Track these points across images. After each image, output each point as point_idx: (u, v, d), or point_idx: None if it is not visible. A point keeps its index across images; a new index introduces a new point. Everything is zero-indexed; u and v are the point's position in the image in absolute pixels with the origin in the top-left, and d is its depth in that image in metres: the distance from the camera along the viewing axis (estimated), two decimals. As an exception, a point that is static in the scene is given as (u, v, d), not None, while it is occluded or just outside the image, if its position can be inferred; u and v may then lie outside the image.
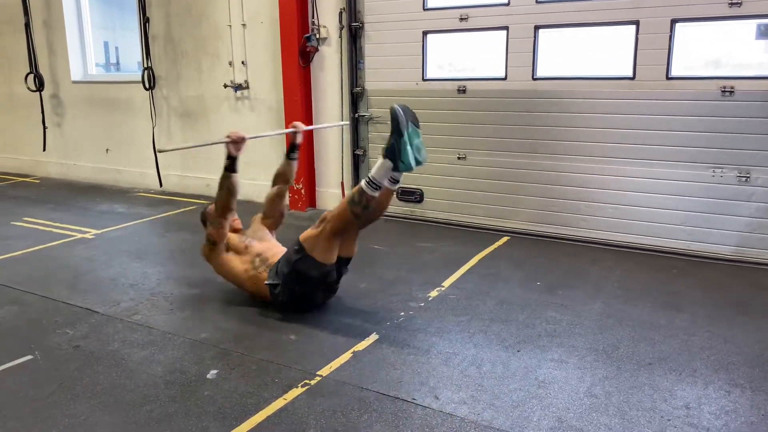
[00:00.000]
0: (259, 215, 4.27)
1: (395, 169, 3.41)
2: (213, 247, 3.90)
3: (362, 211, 3.49)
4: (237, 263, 3.88)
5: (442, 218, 6.02)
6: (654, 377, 3.09)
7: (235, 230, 4.03)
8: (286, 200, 4.33)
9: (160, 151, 3.63)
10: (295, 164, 4.22)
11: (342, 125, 4.44)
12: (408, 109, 3.43)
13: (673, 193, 4.95)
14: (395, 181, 3.61)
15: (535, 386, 3.01)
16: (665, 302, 4.03)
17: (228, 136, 3.61)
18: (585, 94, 5.15)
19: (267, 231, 4.18)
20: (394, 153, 3.36)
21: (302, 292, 3.72)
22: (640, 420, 2.73)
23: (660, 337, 3.53)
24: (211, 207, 3.99)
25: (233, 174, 3.68)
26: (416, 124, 3.45)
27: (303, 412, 2.80)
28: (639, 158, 5.03)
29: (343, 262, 3.75)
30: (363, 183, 3.47)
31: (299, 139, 4.16)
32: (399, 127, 3.34)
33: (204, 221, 4.10)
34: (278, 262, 3.76)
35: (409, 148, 3.35)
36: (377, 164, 3.45)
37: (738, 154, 4.68)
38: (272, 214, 4.23)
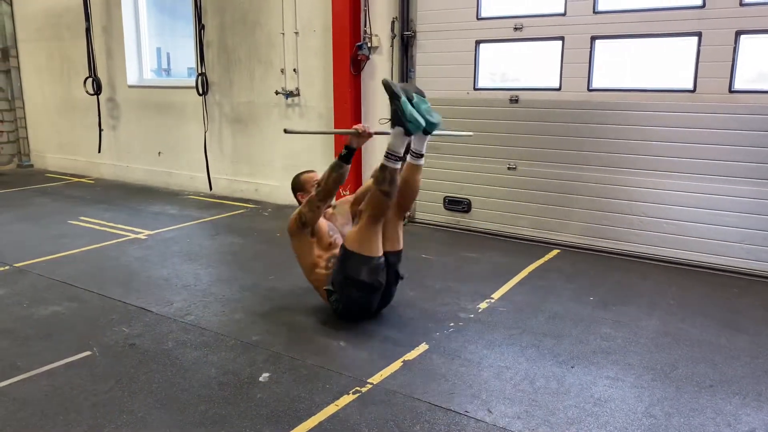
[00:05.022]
0: (351, 198, 4.26)
1: (407, 132, 3.54)
2: (302, 226, 3.85)
3: (390, 186, 3.55)
4: (314, 254, 3.86)
5: (489, 229, 5.96)
6: (716, 400, 2.98)
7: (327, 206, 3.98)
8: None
9: (287, 131, 3.70)
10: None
11: (466, 135, 4.40)
12: (404, 83, 3.68)
13: (734, 209, 4.79)
14: (418, 155, 3.69)
15: (590, 404, 2.94)
16: (725, 321, 3.90)
17: (355, 128, 3.69)
18: (642, 107, 5.03)
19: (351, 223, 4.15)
20: (398, 117, 3.52)
21: (357, 298, 3.70)
22: (704, 444, 2.63)
23: (721, 358, 3.40)
24: (306, 176, 4.01)
25: (346, 165, 3.71)
26: (421, 94, 3.61)
27: (355, 419, 2.79)
28: (698, 173, 4.88)
29: (393, 259, 3.73)
30: (383, 159, 3.60)
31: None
32: (393, 91, 3.54)
33: (294, 189, 4.07)
34: (333, 269, 3.75)
35: (410, 107, 3.50)
36: (390, 136, 3.61)
37: (804, 171, 4.51)
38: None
